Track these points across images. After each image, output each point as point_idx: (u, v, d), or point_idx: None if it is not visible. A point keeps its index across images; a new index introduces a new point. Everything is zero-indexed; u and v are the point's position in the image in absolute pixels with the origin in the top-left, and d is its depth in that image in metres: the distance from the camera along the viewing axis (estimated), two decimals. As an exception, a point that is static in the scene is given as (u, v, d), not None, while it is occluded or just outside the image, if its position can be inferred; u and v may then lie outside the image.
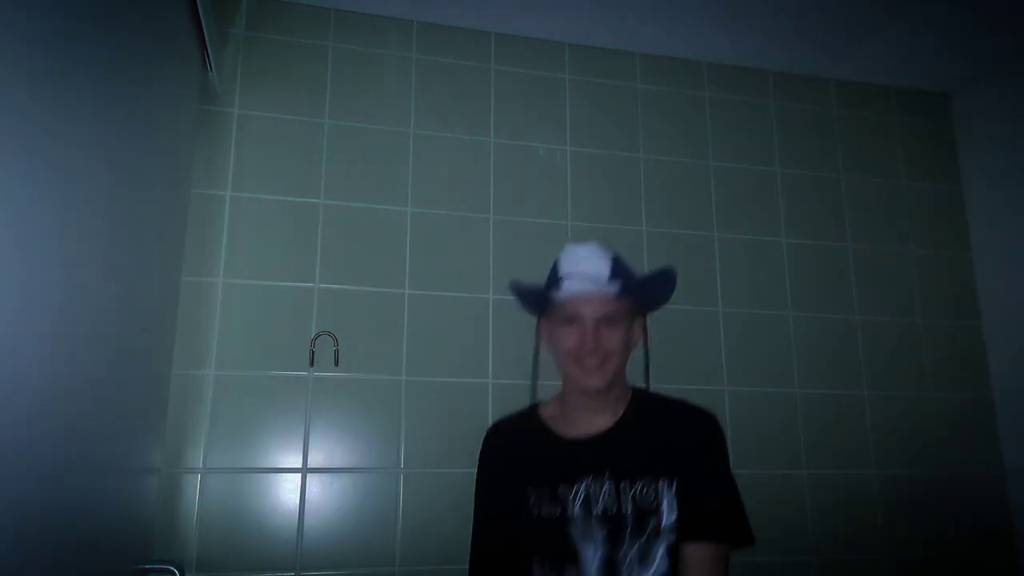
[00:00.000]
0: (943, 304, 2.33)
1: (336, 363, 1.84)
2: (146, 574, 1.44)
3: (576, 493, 1.19)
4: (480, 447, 1.34)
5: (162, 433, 1.69)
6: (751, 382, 2.11)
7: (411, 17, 2.12)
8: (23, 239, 0.82)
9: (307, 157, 1.97)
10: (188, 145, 1.80)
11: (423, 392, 1.89)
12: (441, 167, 2.06)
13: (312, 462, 1.80)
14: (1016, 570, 2.14)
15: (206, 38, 1.71)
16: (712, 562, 1.15)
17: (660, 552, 1.16)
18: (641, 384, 1.34)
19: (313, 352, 1.84)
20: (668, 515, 1.17)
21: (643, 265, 2.09)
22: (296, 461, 1.79)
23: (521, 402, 1.39)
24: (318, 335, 1.85)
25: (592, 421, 1.26)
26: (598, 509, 1.18)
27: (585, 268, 1.21)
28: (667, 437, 1.23)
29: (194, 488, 1.72)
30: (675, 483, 1.18)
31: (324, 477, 1.80)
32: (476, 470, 1.33)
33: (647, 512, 1.17)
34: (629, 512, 1.17)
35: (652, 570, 1.15)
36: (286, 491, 1.77)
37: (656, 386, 1.36)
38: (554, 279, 1.24)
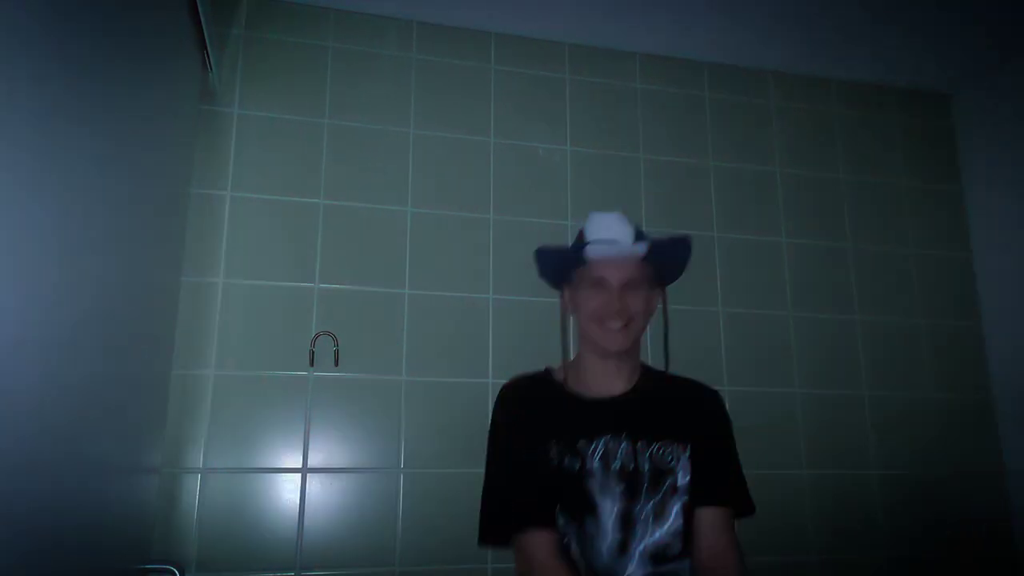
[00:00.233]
0: (943, 304, 2.33)
1: (336, 363, 1.84)
2: (146, 574, 1.44)
3: (595, 448, 1.23)
4: (495, 406, 1.33)
5: (162, 433, 1.69)
6: (751, 382, 2.11)
7: (411, 17, 2.12)
8: (23, 239, 0.82)
9: (307, 157, 1.97)
10: (188, 145, 1.80)
11: (423, 392, 1.89)
12: (441, 167, 2.05)
13: (312, 462, 1.80)
14: (1016, 570, 2.14)
15: (206, 38, 1.71)
16: (725, 525, 1.23)
17: (675, 510, 1.21)
18: (659, 355, 1.38)
19: (313, 352, 1.84)
20: (682, 477, 1.23)
21: (643, 265, 2.09)
22: (296, 461, 1.79)
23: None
24: (318, 335, 1.85)
25: (608, 385, 1.30)
26: (616, 465, 1.22)
27: (611, 233, 1.26)
28: (679, 406, 1.30)
29: (194, 488, 1.72)
30: (688, 448, 1.24)
31: (324, 477, 1.80)
32: (491, 423, 1.32)
33: (663, 471, 1.22)
34: (646, 470, 1.22)
35: (667, 526, 1.20)
36: (286, 491, 1.77)
37: (656, 386, 1.35)
38: (579, 245, 1.28)
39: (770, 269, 2.21)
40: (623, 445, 1.23)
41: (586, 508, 1.19)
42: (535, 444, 1.24)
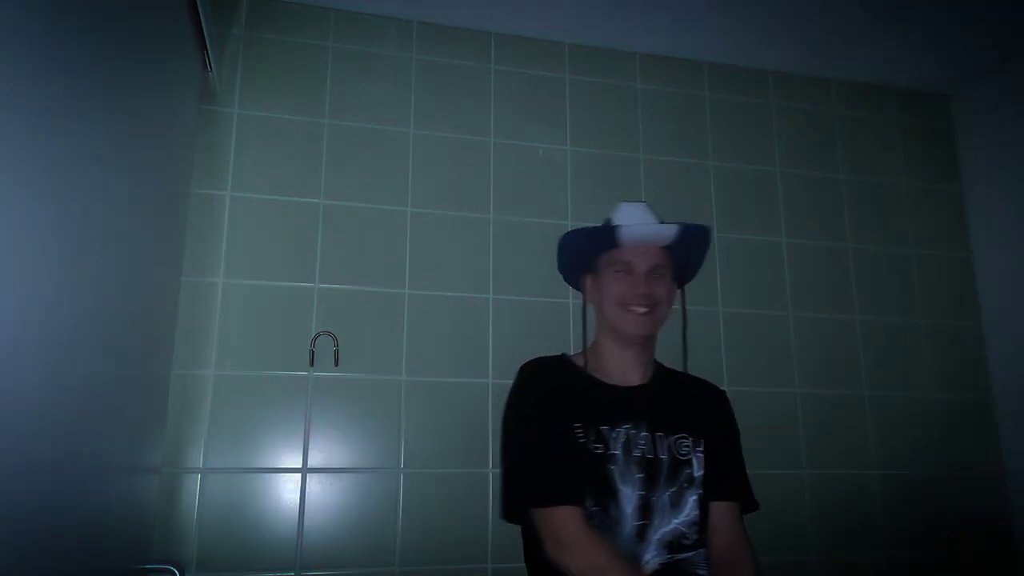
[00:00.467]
0: (943, 304, 2.33)
1: (336, 363, 1.84)
2: (146, 574, 1.44)
3: (617, 435, 1.25)
4: (517, 383, 1.33)
5: (162, 433, 1.69)
6: (751, 382, 2.11)
7: (411, 17, 2.12)
8: (22, 239, 0.82)
9: (307, 157, 1.97)
10: (188, 145, 1.80)
11: (423, 392, 1.89)
12: (441, 167, 2.05)
13: (312, 462, 1.80)
14: (1016, 570, 2.14)
15: (206, 38, 1.71)
16: (737, 518, 1.29)
17: (691, 501, 1.23)
18: (666, 355, 1.43)
19: (313, 352, 1.84)
20: (697, 470, 1.26)
21: (643, 265, 2.10)
22: (296, 461, 1.79)
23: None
24: (318, 335, 1.85)
25: (626, 374, 1.33)
26: (636, 453, 1.24)
27: (640, 220, 1.32)
28: (694, 403, 1.35)
29: (194, 488, 1.72)
30: (702, 443, 1.28)
31: (324, 477, 1.80)
32: (512, 399, 1.31)
33: (680, 462, 1.25)
34: (665, 460, 1.24)
35: (683, 516, 1.22)
36: (286, 491, 1.77)
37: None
38: (612, 226, 1.31)
39: (770, 269, 2.21)
40: (643, 434, 1.25)
41: (609, 492, 1.20)
42: (562, 422, 1.24)
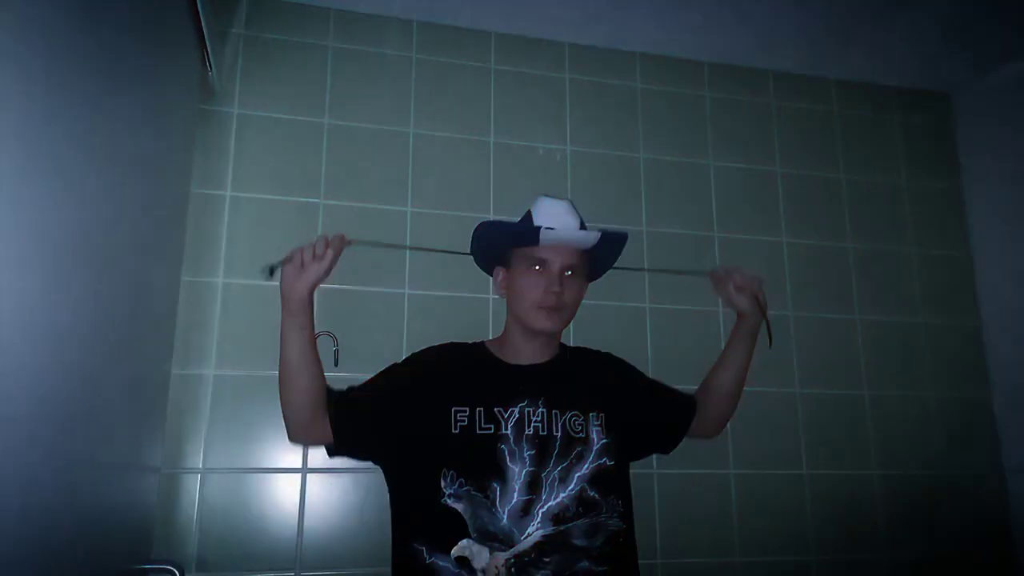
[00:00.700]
0: (943, 304, 2.33)
1: (336, 363, 1.84)
2: (146, 574, 1.44)
3: (511, 414, 1.28)
4: (404, 360, 1.43)
5: (162, 433, 1.69)
6: (751, 382, 2.09)
7: (411, 17, 2.12)
8: (22, 239, 0.82)
9: (307, 157, 1.97)
10: (188, 144, 1.80)
11: (423, 392, 1.89)
12: (441, 167, 2.05)
13: (312, 462, 1.80)
14: (1016, 570, 2.14)
15: (206, 37, 1.71)
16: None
17: (577, 475, 1.27)
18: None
19: (313, 352, 1.84)
20: (598, 442, 1.30)
21: (643, 263, 2.09)
22: (296, 461, 1.79)
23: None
24: (318, 335, 1.84)
25: (530, 358, 1.37)
26: (529, 430, 1.28)
27: (561, 221, 1.34)
28: (592, 377, 1.40)
29: (194, 488, 1.72)
30: (602, 415, 1.32)
31: (324, 477, 1.80)
32: (389, 367, 1.41)
33: (574, 440, 1.29)
34: (559, 437, 1.28)
35: (568, 490, 1.25)
36: (286, 491, 1.77)
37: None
38: (530, 233, 1.33)
39: (770, 269, 2.21)
40: (540, 411, 1.29)
41: (495, 470, 1.24)
42: (434, 409, 1.29)
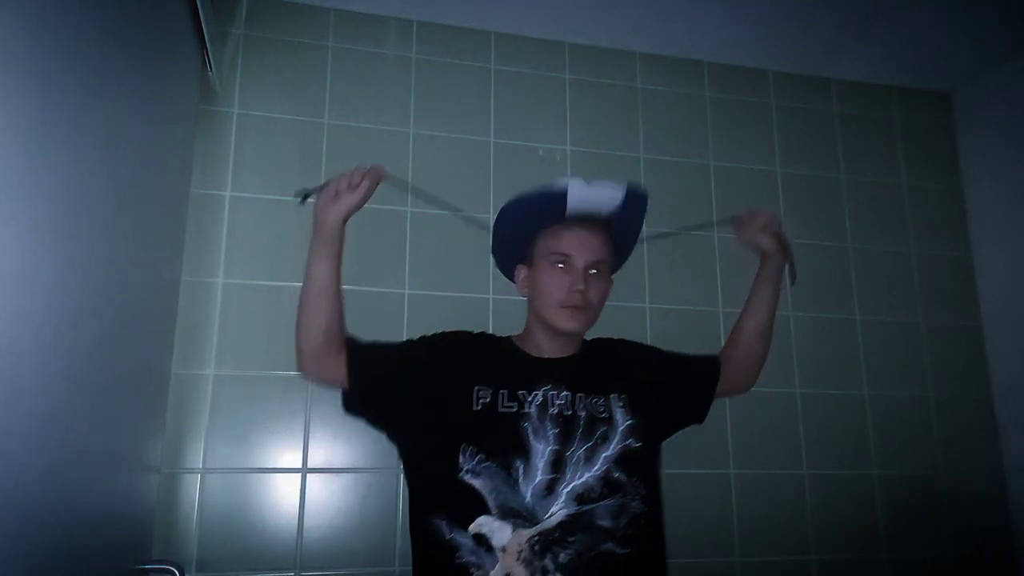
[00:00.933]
0: (943, 304, 2.33)
1: (336, 363, 1.84)
2: (146, 574, 1.44)
3: (535, 396, 1.27)
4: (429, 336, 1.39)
5: (162, 433, 1.69)
6: (751, 382, 2.10)
7: (411, 17, 2.12)
8: (22, 238, 0.82)
9: (307, 157, 1.97)
10: (188, 144, 1.80)
11: (423, 392, 1.89)
12: (441, 167, 2.05)
13: (312, 462, 1.80)
14: (1016, 570, 2.14)
15: (206, 37, 1.71)
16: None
17: (603, 456, 1.25)
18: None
19: (313, 352, 1.84)
20: (623, 423, 1.29)
21: (643, 263, 2.10)
22: (296, 461, 1.79)
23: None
24: (318, 335, 1.85)
25: (554, 351, 1.36)
26: (553, 410, 1.27)
27: (587, 189, 1.32)
28: (612, 362, 1.39)
29: (194, 488, 1.72)
30: (625, 398, 1.31)
31: (324, 477, 1.80)
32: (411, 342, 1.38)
33: (597, 419, 1.27)
34: (583, 416, 1.27)
35: (594, 470, 1.24)
36: (286, 491, 1.77)
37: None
38: (557, 195, 1.32)
39: (770, 269, 2.21)
40: (563, 393, 1.28)
41: (518, 449, 1.22)
42: (456, 388, 1.28)
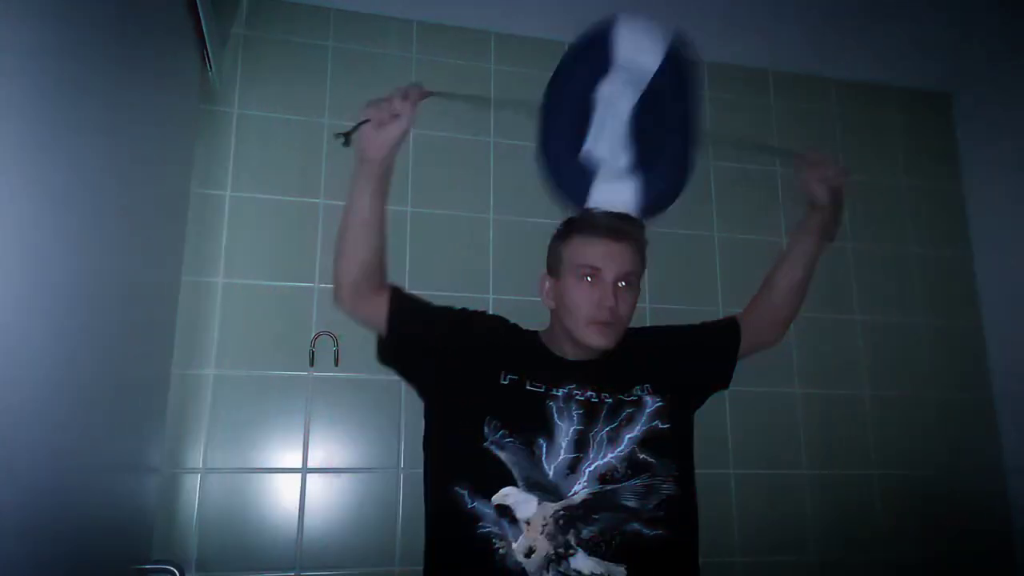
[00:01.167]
0: (943, 304, 2.33)
1: (336, 363, 1.84)
2: (146, 574, 1.44)
3: (560, 388, 1.26)
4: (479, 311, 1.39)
5: (162, 433, 1.69)
6: (751, 382, 2.09)
7: (411, 17, 2.12)
8: (22, 238, 0.82)
9: (307, 157, 1.97)
10: (188, 144, 1.79)
11: (423, 392, 1.89)
12: (441, 167, 2.05)
13: (312, 462, 1.80)
14: (1016, 570, 2.14)
15: (206, 37, 1.71)
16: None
17: (628, 436, 1.24)
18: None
19: (313, 352, 1.84)
20: (651, 405, 1.27)
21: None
22: (296, 461, 1.79)
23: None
24: (318, 335, 1.85)
25: (580, 354, 1.33)
26: (579, 396, 1.26)
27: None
28: (634, 352, 1.35)
29: (194, 488, 1.72)
30: (648, 386, 1.29)
31: (324, 477, 1.80)
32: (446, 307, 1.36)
33: (624, 402, 1.26)
34: (609, 401, 1.26)
35: (617, 451, 1.22)
36: (286, 491, 1.77)
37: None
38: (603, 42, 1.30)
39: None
40: (588, 393, 1.27)
41: (543, 427, 1.22)
42: (486, 367, 1.27)
